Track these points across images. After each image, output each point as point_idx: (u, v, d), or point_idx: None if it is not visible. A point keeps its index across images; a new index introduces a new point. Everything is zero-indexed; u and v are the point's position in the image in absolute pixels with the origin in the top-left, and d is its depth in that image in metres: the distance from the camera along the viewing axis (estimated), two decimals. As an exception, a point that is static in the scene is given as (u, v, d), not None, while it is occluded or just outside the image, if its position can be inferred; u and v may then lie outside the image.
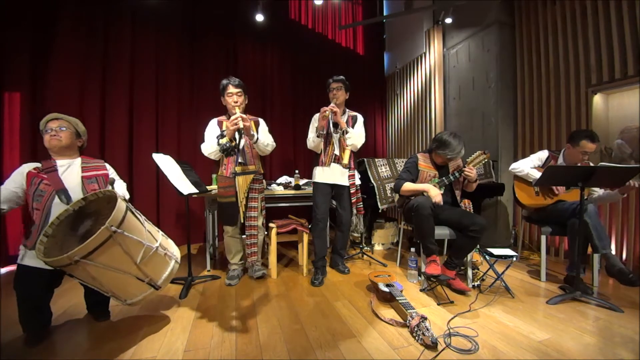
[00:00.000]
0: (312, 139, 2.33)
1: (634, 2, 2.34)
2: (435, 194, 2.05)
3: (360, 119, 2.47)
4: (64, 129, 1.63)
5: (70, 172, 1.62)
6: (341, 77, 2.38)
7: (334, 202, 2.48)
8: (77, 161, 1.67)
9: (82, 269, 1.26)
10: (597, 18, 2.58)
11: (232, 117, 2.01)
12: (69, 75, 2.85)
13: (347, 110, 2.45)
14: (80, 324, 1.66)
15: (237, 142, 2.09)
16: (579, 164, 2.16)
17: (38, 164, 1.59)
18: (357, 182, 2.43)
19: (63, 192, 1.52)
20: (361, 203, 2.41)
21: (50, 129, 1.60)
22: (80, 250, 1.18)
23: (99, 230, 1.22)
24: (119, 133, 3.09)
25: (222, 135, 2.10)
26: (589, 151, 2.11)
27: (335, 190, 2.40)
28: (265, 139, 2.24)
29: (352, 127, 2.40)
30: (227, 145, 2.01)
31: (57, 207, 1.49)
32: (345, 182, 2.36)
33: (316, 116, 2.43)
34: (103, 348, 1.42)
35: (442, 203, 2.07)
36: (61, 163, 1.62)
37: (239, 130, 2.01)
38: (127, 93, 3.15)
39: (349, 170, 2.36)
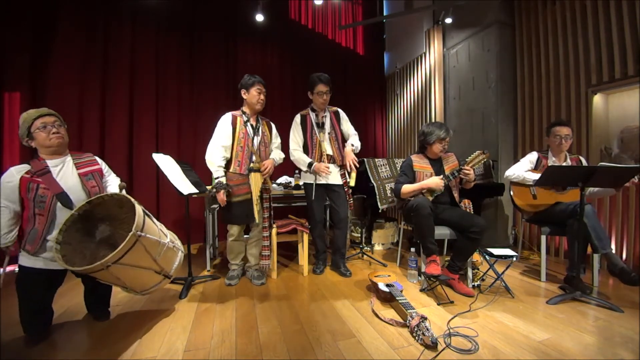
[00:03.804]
0: (298, 159, 2.38)
1: (634, 2, 2.34)
2: (436, 182, 2.08)
3: (342, 113, 2.48)
4: (60, 124, 1.53)
5: (65, 171, 1.54)
6: (327, 75, 2.32)
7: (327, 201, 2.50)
8: (69, 158, 1.58)
9: (110, 271, 1.35)
10: (597, 18, 2.58)
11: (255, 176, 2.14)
12: (69, 75, 2.85)
13: (327, 107, 2.44)
14: (80, 324, 1.66)
15: (251, 144, 2.16)
16: (563, 150, 2.27)
17: (27, 166, 1.46)
18: (348, 178, 2.43)
19: (63, 196, 1.46)
20: (351, 199, 2.44)
21: (47, 124, 1.47)
22: (113, 256, 1.30)
23: (128, 237, 1.31)
24: (119, 133, 3.09)
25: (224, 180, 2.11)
26: (561, 134, 2.23)
27: (330, 189, 2.40)
28: (279, 154, 2.38)
29: (338, 123, 2.40)
30: (221, 185, 2.06)
31: (62, 212, 1.46)
32: (338, 180, 2.37)
33: (297, 119, 2.41)
34: (103, 348, 1.42)
35: (443, 187, 2.10)
36: (53, 163, 1.51)
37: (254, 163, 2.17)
38: (127, 93, 3.15)
39: (340, 169, 2.39)
